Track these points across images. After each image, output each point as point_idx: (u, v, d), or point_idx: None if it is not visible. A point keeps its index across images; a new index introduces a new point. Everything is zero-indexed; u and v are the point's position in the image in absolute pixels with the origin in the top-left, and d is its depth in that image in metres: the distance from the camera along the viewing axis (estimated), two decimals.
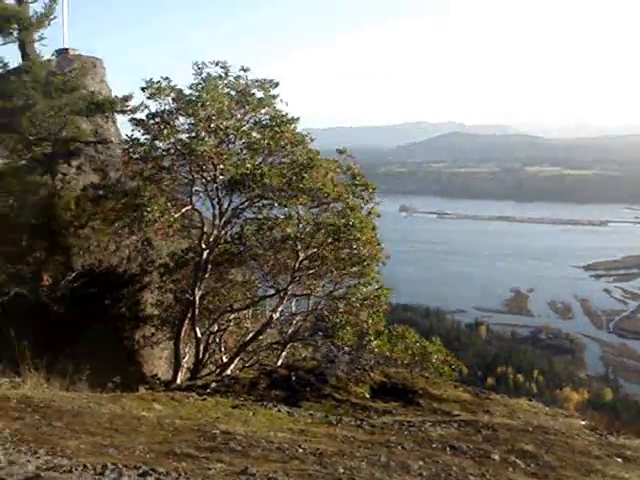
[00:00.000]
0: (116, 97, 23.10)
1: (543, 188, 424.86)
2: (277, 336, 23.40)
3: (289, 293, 21.63)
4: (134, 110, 22.00)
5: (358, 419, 11.26)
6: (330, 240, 20.55)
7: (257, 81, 20.50)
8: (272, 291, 22.58)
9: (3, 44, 22.40)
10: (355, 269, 21.25)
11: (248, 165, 19.28)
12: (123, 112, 22.84)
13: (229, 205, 20.64)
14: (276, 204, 20.39)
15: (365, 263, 21.09)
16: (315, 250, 20.95)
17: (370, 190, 21.65)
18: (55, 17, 22.66)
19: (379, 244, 21.39)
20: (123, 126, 25.52)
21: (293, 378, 13.86)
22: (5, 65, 22.72)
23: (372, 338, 21.91)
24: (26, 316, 19.85)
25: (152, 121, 19.87)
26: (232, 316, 23.05)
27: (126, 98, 22.37)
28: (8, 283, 20.19)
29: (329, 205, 20.73)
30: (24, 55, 24.87)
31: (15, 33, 22.33)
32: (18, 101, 20.69)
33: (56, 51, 26.30)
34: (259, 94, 20.46)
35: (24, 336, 17.04)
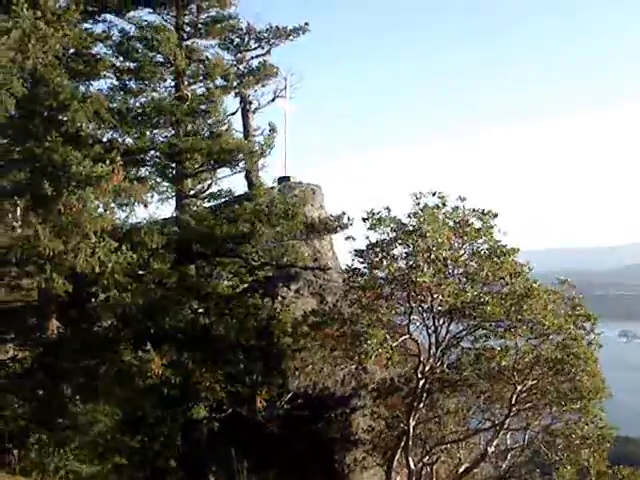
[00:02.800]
0: (330, 217, 23.78)
1: None
2: (491, 470, 22.57)
3: (505, 427, 20.88)
4: (345, 226, 22.62)
5: None
6: (550, 373, 19.82)
7: (475, 211, 20.44)
8: (487, 423, 21.91)
9: (231, 174, 23.84)
10: (576, 405, 20.30)
11: (468, 294, 19.09)
12: (336, 231, 23.49)
13: (446, 334, 20.42)
14: (493, 335, 20.02)
15: (587, 398, 20.14)
16: (534, 382, 20.23)
17: (592, 320, 20.80)
18: (274, 146, 23.82)
19: (602, 379, 20.38)
20: (339, 248, 26.35)
21: None
22: (232, 193, 24.15)
23: (594, 479, 20.66)
24: (242, 434, 20.41)
25: (371, 251, 20.22)
26: (444, 446, 22.49)
27: (338, 218, 22.99)
28: (226, 402, 20.89)
29: (549, 337, 20.05)
30: (249, 184, 26.43)
31: (241, 164, 23.72)
32: (243, 227, 21.78)
33: (278, 179, 27.78)
34: (477, 224, 20.36)
35: (239, 453, 17.50)
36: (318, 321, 21.04)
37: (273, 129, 23.60)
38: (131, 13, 23.48)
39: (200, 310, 21.41)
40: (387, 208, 20.14)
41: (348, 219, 22.67)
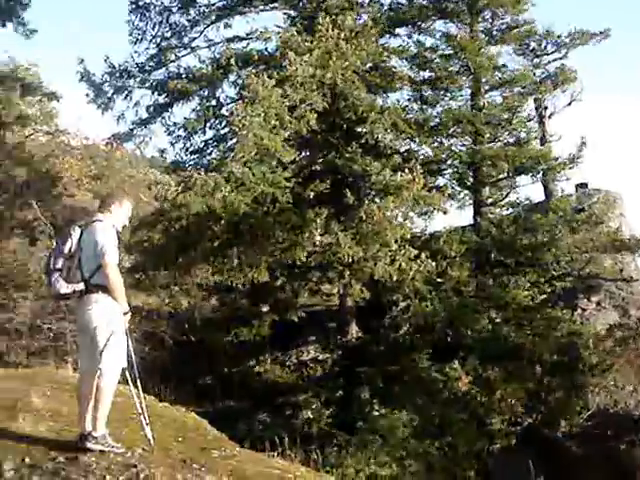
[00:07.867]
0: None
1: None
2: None
3: None
4: None
5: None
6: None
7: None
8: None
9: (532, 183, 23.35)
10: None
11: None
12: None
13: None
14: None
15: None
16: None
17: None
18: (583, 160, 22.83)
19: None
20: None
21: None
22: (530, 201, 23.59)
23: None
24: (537, 448, 19.83)
25: None
26: None
27: None
28: (523, 416, 20.39)
29: None
30: (546, 191, 25.70)
31: (541, 173, 23.13)
32: (542, 236, 21.24)
33: (576, 185, 26.76)
34: None
35: (536, 467, 17.01)
36: (624, 336, 20.02)
37: (584, 142, 22.71)
38: (426, 25, 23.77)
39: (498, 320, 21.07)
40: None
41: None
